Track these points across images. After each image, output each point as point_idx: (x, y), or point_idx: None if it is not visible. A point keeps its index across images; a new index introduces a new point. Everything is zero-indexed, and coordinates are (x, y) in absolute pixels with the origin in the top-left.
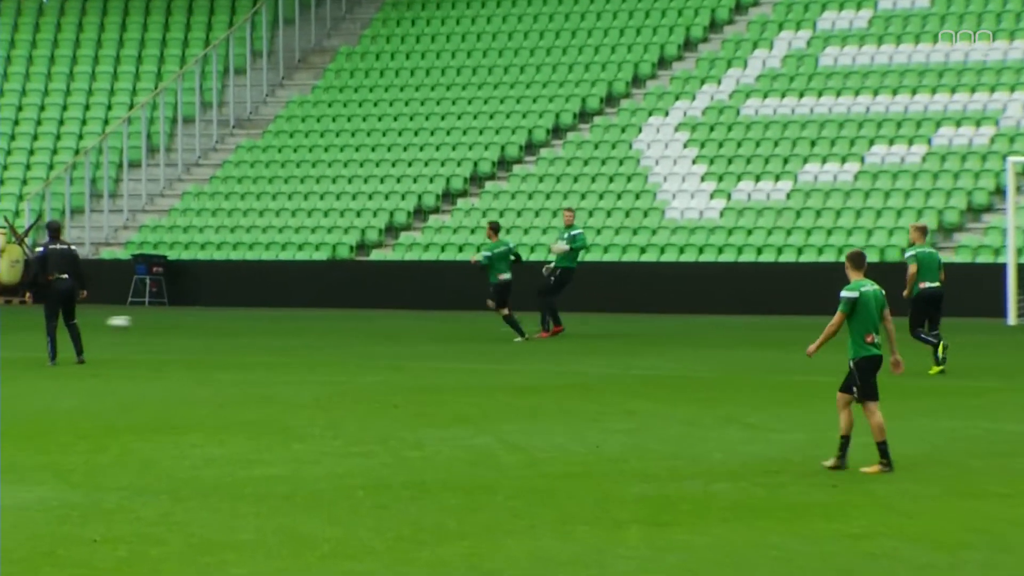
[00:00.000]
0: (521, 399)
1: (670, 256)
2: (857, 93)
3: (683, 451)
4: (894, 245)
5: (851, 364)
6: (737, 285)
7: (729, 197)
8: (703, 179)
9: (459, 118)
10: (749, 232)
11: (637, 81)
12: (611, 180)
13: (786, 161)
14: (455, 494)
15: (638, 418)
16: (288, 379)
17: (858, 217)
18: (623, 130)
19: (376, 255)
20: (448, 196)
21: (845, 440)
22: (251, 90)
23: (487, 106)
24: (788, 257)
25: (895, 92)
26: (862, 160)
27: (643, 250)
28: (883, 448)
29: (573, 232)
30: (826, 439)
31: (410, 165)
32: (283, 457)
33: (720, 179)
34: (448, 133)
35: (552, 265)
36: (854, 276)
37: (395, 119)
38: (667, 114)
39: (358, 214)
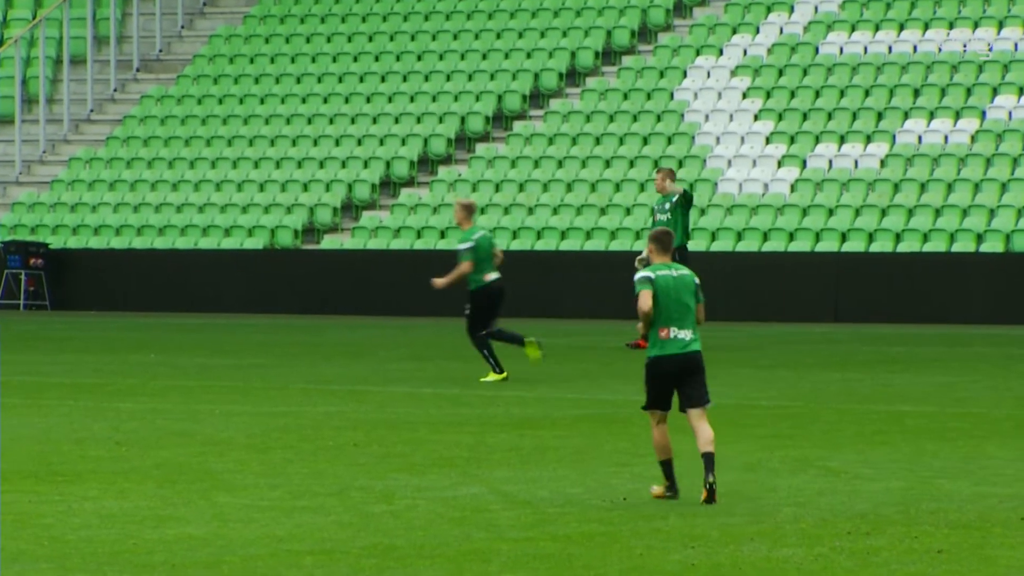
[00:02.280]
0: (523, 436)
1: (724, 244)
2: (976, 26)
3: (740, 505)
4: (1023, 230)
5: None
6: (813, 283)
7: (804, 165)
8: (768, 140)
9: (441, 57)
10: (830, 212)
11: (681, 8)
12: (645, 142)
13: (880, 116)
14: (436, 564)
15: (680, 461)
16: (211, 409)
17: (976, 191)
18: (661, 74)
19: (329, 242)
20: (426, 163)
21: (666, 464)
22: (161, 20)
23: (479, 41)
24: (882, 246)
25: None
26: (982, 115)
27: (688, 235)
28: (708, 461)
29: (674, 199)
30: (931, 488)
31: (375, 122)
32: (204, 513)
33: (792, 141)
34: (427, 78)
35: (644, 255)
36: (659, 259)
37: (355, 59)
38: (721, 53)
39: (305, 187)
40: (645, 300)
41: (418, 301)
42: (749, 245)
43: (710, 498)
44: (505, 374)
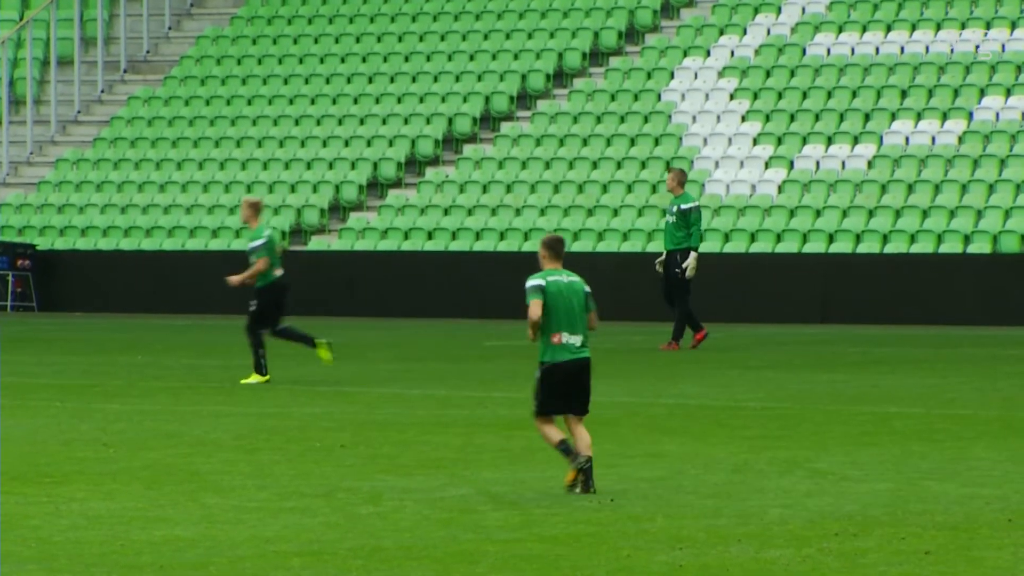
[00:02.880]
0: (511, 438)
1: (711, 245)
2: (963, 26)
3: (728, 506)
4: (1011, 231)
5: (537, 372)
6: (801, 284)
7: (791, 166)
8: (756, 141)
9: (428, 58)
10: (817, 213)
11: (668, 9)
12: (632, 143)
13: (867, 118)
14: (423, 565)
15: (668, 462)
16: (199, 410)
17: (963, 192)
18: (649, 75)
19: (316, 243)
20: (413, 164)
21: (563, 444)
22: (148, 21)
23: (466, 42)
24: (870, 247)
25: (1014, 26)
26: (969, 116)
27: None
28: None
29: (684, 205)
30: (919, 489)
31: (363, 123)
32: (192, 515)
33: (779, 142)
34: (414, 79)
35: (662, 257)
36: (547, 267)
37: (342, 60)
38: (708, 54)
39: (292, 189)
40: (535, 310)
41: (406, 302)
42: (736, 246)
43: (574, 485)
44: (268, 377)
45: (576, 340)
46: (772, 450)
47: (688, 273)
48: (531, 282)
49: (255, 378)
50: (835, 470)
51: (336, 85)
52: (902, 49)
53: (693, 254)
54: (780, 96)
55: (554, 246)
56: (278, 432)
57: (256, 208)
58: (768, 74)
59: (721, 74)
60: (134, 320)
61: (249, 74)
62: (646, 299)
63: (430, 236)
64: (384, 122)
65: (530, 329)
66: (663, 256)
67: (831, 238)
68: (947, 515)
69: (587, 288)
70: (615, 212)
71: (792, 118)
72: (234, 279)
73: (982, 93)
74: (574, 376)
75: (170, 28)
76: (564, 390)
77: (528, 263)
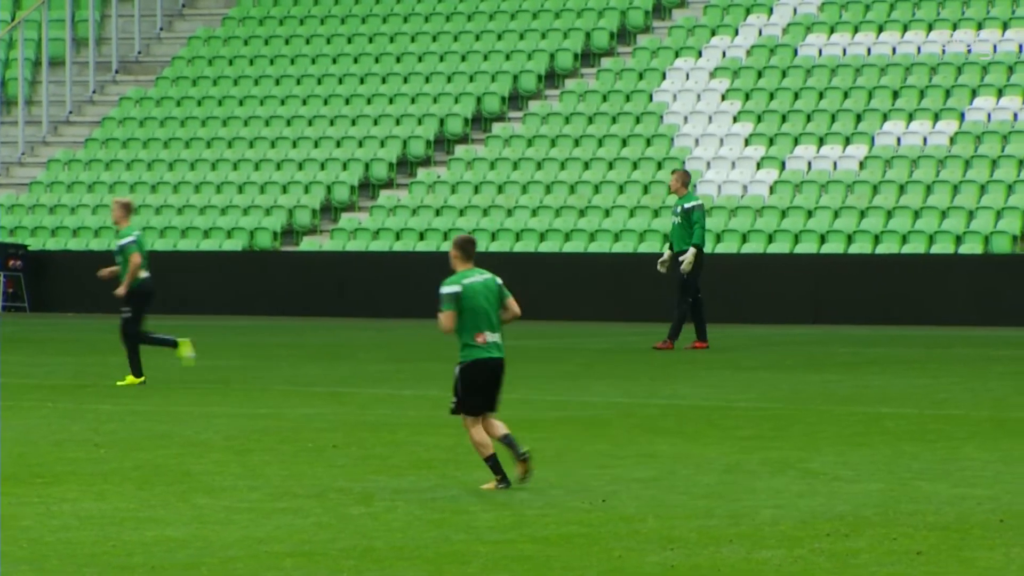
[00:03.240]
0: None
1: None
2: (955, 27)
3: (720, 507)
4: (1003, 231)
5: (456, 371)
6: (792, 284)
7: (783, 167)
8: (748, 142)
9: (420, 59)
10: (809, 214)
11: (660, 11)
12: (624, 143)
13: (859, 118)
14: (415, 565)
15: (660, 463)
16: (190, 410)
17: (954, 193)
18: (640, 76)
19: (308, 244)
20: (405, 165)
21: (491, 460)
22: (140, 22)
23: (458, 43)
24: (861, 247)
25: (1006, 27)
26: (961, 117)
27: (666, 238)
28: (509, 441)
29: (687, 204)
30: (910, 490)
31: (354, 124)
32: (183, 515)
33: (771, 142)
34: (406, 80)
35: (664, 258)
36: (461, 267)
37: (334, 61)
38: (700, 55)
39: (284, 189)
40: (448, 323)
41: (398, 303)
42: (728, 247)
43: (526, 474)
44: (143, 378)
45: (497, 338)
46: (764, 451)
47: (683, 267)
48: (446, 289)
49: (130, 380)
50: (827, 470)
51: (327, 86)
52: (894, 50)
53: (692, 250)
54: (772, 97)
55: (465, 247)
56: (270, 433)
57: (127, 208)
58: (760, 75)
59: (713, 75)
60: None
61: (240, 75)
62: (639, 299)
63: (422, 237)
64: (376, 123)
65: (445, 331)
66: (665, 257)
67: (823, 239)
68: (938, 515)
69: (499, 280)
70: (607, 213)
71: (784, 119)
72: (106, 272)
73: (974, 94)
74: (496, 374)
75: (161, 29)
76: (486, 388)
77: (519, 264)
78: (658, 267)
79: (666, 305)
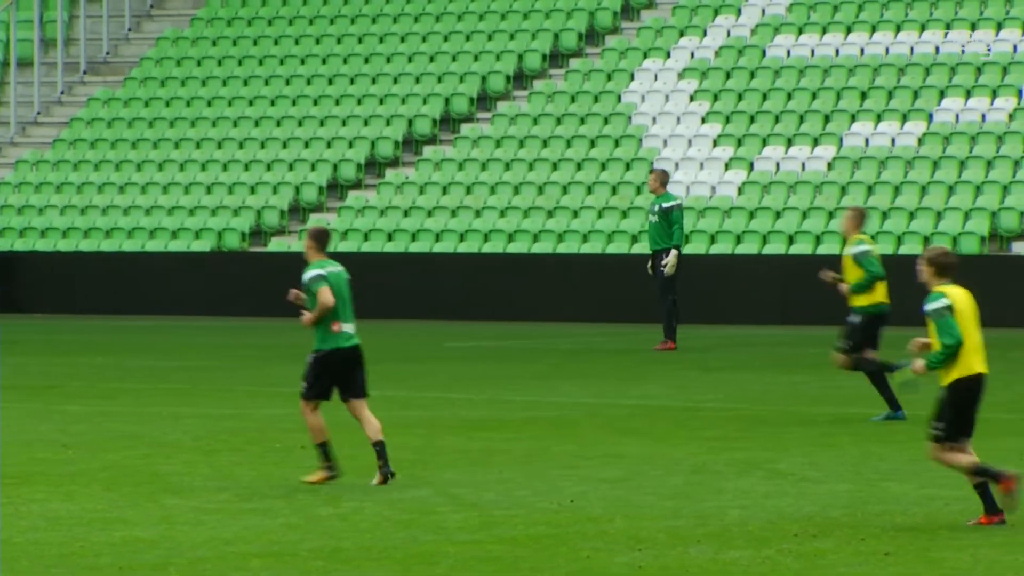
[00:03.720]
0: (472, 439)
1: None
2: (923, 28)
3: (687, 507)
4: (971, 232)
5: (310, 358)
6: (761, 285)
7: (751, 168)
8: (716, 143)
9: (388, 60)
10: (777, 215)
11: (628, 11)
12: (592, 144)
13: (827, 119)
14: (383, 566)
15: (628, 463)
16: (158, 411)
17: (923, 194)
18: (609, 77)
19: (276, 244)
20: (373, 166)
21: (323, 447)
22: (108, 23)
23: (427, 44)
24: (830, 248)
25: (974, 27)
26: (929, 118)
27: (635, 239)
28: (380, 449)
29: (666, 204)
30: (878, 491)
31: (323, 124)
32: (152, 516)
33: (739, 143)
34: (374, 80)
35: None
36: (315, 259)
37: (303, 62)
38: (668, 55)
39: (252, 190)
40: (328, 297)
41: (365, 304)
42: (696, 248)
43: (384, 482)
44: None
45: (351, 328)
46: (732, 451)
47: (667, 270)
48: (312, 272)
49: None
50: (795, 471)
51: (296, 87)
52: (862, 51)
53: (674, 252)
54: (740, 98)
55: (320, 238)
56: (238, 433)
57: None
58: (728, 75)
59: (681, 75)
60: (94, 322)
61: (209, 75)
62: (608, 300)
63: (390, 237)
64: (344, 123)
65: (318, 314)
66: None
67: (791, 239)
68: (906, 516)
69: (347, 275)
70: (575, 213)
71: (752, 119)
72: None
73: (942, 95)
74: (352, 362)
75: (130, 30)
76: (338, 376)
77: (487, 264)
78: (648, 270)
79: (634, 306)
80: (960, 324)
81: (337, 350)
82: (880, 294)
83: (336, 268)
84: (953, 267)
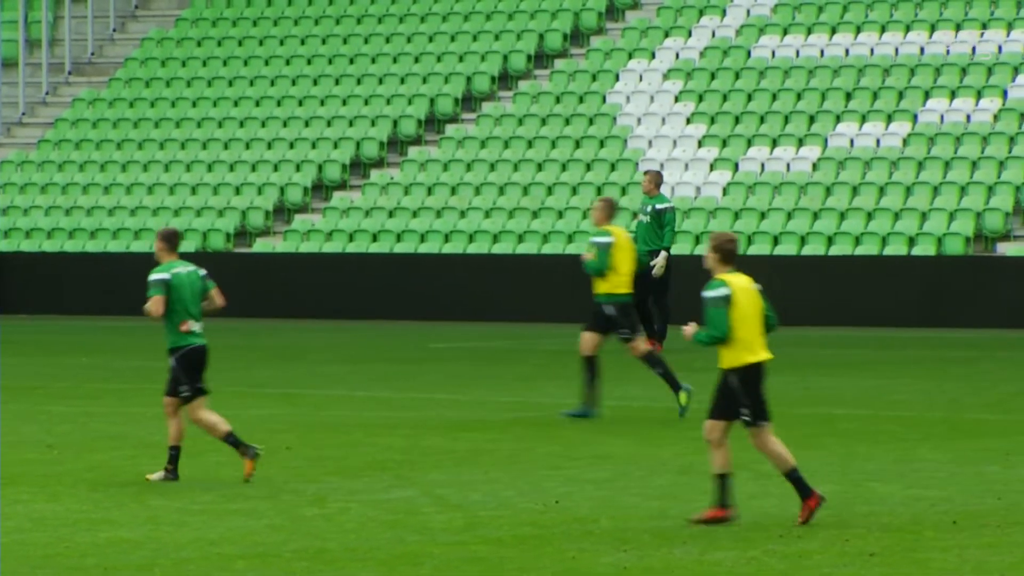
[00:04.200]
0: (457, 440)
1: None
2: (908, 29)
3: (673, 508)
4: (956, 233)
5: (172, 361)
6: None
7: (736, 168)
8: (701, 143)
9: (373, 61)
10: (762, 215)
11: (613, 12)
12: (577, 145)
13: (812, 120)
14: (368, 567)
15: (613, 464)
16: (144, 412)
17: (908, 195)
18: (594, 78)
19: (261, 245)
20: (358, 166)
21: (175, 451)
22: (93, 23)
23: (411, 44)
24: (814, 249)
25: (959, 27)
26: (914, 118)
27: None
28: (233, 440)
29: (660, 206)
30: (863, 491)
31: (307, 125)
32: (137, 516)
33: (724, 144)
34: (359, 81)
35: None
36: (166, 259)
37: (288, 62)
38: (653, 56)
39: (237, 191)
40: (158, 307)
41: (351, 304)
42: (681, 248)
43: (253, 460)
44: None
45: (199, 326)
46: None
47: (656, 271)
48: (156, 276)
49: None
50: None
51: (281, 87)
52: (847, 51)
53: (664, 253)
54: (725, 98)
55: (171, 239)
56: None
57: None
58: (713, 76)
59: (666, 76)
60: (79, 322)
61: (194, 76)
62: (591, 301)
63: (375, 238)
64: (329, 124)
65: (151, 311)
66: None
67: (776, 240)
68: (892, 517)
69: (203, 272)
70: (560, 214)
71: (737, 120)
72: None
73: (927, 96)
74: (204, 359)
75: (115, 30)
76: (198, 373)
77: (473, 264)
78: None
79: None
80: (736, 316)
81: (193, 347)
82: (622, 284)
83: (186, 269)
84: (735, 254)
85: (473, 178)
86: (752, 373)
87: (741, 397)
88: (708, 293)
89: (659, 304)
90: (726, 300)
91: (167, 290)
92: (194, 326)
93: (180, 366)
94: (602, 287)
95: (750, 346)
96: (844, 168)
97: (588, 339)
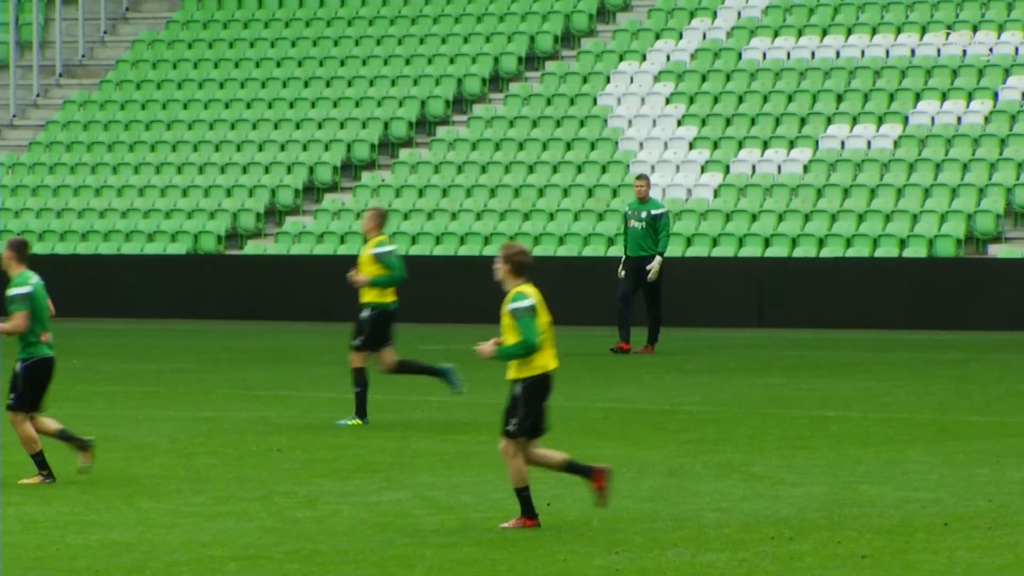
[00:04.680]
0: (447, 441)
1: None
2: (899, 31)
3: (664, 510)
4: (947, 235)
5: (19, 368)
6: (736, 288)
7: (727, 170)
8: (692, 146)
9: (364, 63)
10: (753, 217)
11: (604, 14)
12: (568, 147)
13: (803, 122)
14: (359, 569)
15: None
16: (135, 414)
17: (898, 197)
18: (585, 80)
19: (252, 247)
20: (349, 168)
21: (40, 455)
22: (84, 25)
23: (402, 47)
24: (805, 251)
25: (949, 30)
26: (905, 120)
27: (611, 241)
28: (66, 435)
29: (655, 211)
30: (854, 493)
31: (298, 127)
32: (128, 519)
33: (715, 146)
34: (350, 83)
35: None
36: (16, 270)
37: (278, 64)
38: (644, 58)
39: (228, 193)
40: (23, 323)
41: (342, 306)
42: (672, 250)
43: (88, 453)
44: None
45: (51, 337)
46: (708, 454)
47: (650, 276)
48: (20, 290)
49: None
50: (771, 474)
51: (271, 89)
52: (838, 53)
53: (658, 258)
54: (716, 100)
55: (20, 248)
56: (214, 436)
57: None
58: (704, 78)
59: (657, 78)
60: (69, 324)
61: (185, 78)
62: (583, 303)
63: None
64: (320, 126)
65: (9, 331)
66: (623, 263)
67: (767, 242)
68: (883, 519)
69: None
70: (551, 216)
71: (728, 122)
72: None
73: (917, 97)
74: (52, 371)
75: (105, 32)
76: (44, 386)
77: (464, 266)
78: (619, 273)
79: (610, 309)
80: (538, 325)
81: (48, 358)
82: (390, 293)
83: (36, 279)
84: (530, 267)
85: (464, 180)
86: (543, 383)
87: (520, 407)
88: (515, 304)
89: (651, 308)
90: (533, 310)
91: (31, 303)
92: (50, 336)
93: (26, 376)
94: (369, 294)
95: (545, 356)
96: (835, 170)
97: (387, 355)
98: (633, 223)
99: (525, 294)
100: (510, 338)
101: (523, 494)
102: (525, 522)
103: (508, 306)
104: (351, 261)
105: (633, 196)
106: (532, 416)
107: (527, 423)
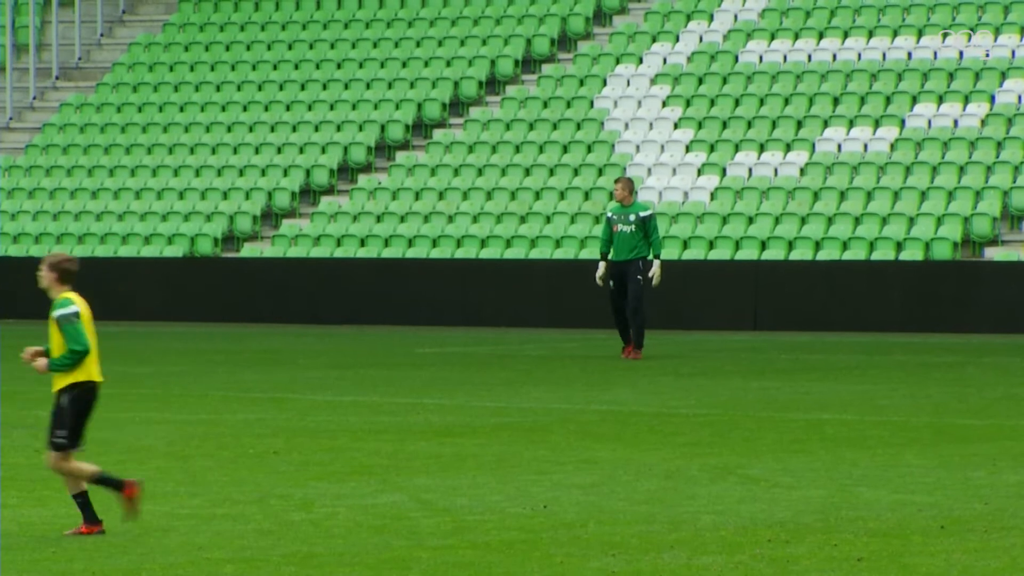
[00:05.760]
0: (443, 444)
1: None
2: (896, 34)
3: (661, 513)
4: (943, 238)
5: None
6: (732, 291)
7: (723, 173)
8: (688, 148)
9: (361, 65)
10: (750, 220)
11: (600, 17)
12: (564, 150)
13: (800, 124)
14: (355, 571)
15: (600, 469)
16: (131, 416)
17: (895, 199)
18: (581, 82)
19: (249, 250)
20: (346, 171)
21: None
22: (80, 28)
23: (399, 49)
24: (802, 254)
25: (946, 33)
26: (901, 123)
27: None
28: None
29: (643, 213)
30: (850, 496)
31: (295, 130)
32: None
33: (711, 149)
34: (347, 86)
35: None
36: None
37: (275, 67)
38: (641, 61)
39: (225, 196)
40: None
41: (338, 309)
42: (669, 253)
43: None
44: None
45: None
46: (704, 456)
47: (655, 282)
48: (72, 309)
49: None
50: (767, 477)
51: (268, 92)
52: (834, 56)
53: (657, 262)
54: (713, 103)
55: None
56: (210, 439)
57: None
58: (701, 81)
59: (654, 81)
60: None
61: (181, 81)
62: (579, 306)
63: (362, 243)
64: (316, 129)
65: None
66: (603, 269)
67: (763, 245)
68: (879, 522)
69: None
70: (548, 219)
71: (725, 125)
72: None
73: (914, 100)
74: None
75: (102, 35)
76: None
77: (461, 269)
78: (598, 281)
79: (606, 312)
80: (86, 332)
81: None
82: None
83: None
84: (75, 274)
85: (461, 183)
86: (89, 391)
87: (67, 418)
88: (60, 311)
89: (635, 312)
90: (78, 316)
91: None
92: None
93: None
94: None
95: (91, 365)
96: (832, 173)
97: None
98: (621, 227)
99: (71, 300)
100: (58, 347)
101: (82, 499)
102: (91, 528)
103: (55, 313)
104: (348, 264)
105: (613, 200)
106: (80, 427)
107: (76, 434)
